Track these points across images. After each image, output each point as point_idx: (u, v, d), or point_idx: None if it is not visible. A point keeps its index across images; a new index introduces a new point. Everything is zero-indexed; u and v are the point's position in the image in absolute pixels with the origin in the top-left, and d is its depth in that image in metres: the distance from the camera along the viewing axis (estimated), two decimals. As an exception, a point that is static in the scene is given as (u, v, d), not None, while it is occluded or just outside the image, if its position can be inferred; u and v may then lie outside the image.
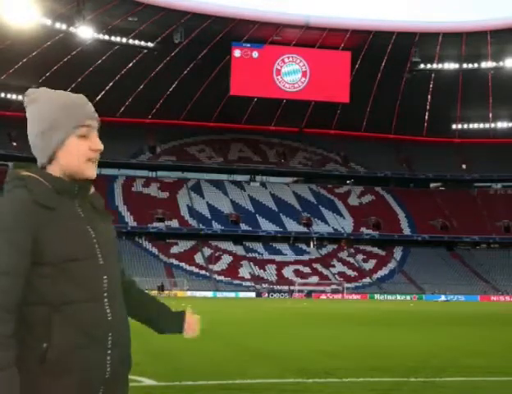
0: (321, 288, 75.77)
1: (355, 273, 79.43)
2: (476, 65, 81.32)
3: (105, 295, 2.15)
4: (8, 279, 1.96)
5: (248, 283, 74.78)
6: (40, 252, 2.02)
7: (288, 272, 77.45)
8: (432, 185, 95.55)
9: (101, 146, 2.20)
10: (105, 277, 2.16)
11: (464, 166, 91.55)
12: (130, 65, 78.61)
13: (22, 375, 1.98)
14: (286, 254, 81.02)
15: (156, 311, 2.45)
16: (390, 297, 73.13)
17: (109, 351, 2.13)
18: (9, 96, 78.72)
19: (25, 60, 72.63)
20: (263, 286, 74.48)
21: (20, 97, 79.33)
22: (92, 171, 2.18)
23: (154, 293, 54.70)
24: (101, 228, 2.21)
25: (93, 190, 2.27)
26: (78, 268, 2.08)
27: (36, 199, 2.06)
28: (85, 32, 68.24)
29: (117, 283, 2.23)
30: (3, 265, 1.97)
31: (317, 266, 79.61)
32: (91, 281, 2.12)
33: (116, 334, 2.17)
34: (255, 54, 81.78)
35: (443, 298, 73.16)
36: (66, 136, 2.15)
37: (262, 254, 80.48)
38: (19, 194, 2.05)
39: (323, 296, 73.58)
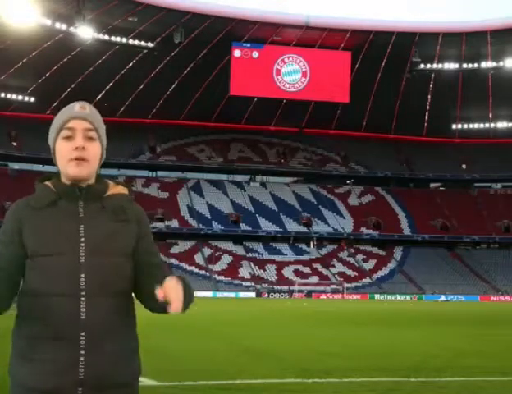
0: (321, 288, 75.75)
1: (355, 273, 79.38)
2: (476, 65, 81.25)
3: (82, 293, 2.16)
4: None
5: (248, 283, 74.76)
6: (25, 246, 2.22)
7: (288, 272, 77.42)
8: (432, 185, 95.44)
9: (78, 143, 2.24)
10: (83, 275, 2.17)
11: (464, 166, 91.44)
12: (130, 65, 78.57)
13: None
14: (286, 254, 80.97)
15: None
16: (390, 297, 73.09)
17: (82, 352, 2.13)
18: (9, 96, 78.64)
19: (25, 60, 72.56)
20: (263, 286, 74.46)
21: (20, 97, 79.41)
22: (73, 170, 2.24)
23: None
24: (100, 228, 2.24)
25: (114, 191, 2.36)
26: (49, 263, 2.18)
27: (28, 201, 2.27)
28: (85, 32, 68.14)
29: (108, 284, 2.20)
30: None
31: (317, 266, 79.57)
32: (63, 277, 2.17)
33: (93, 336, 2.15)
34: (255, 54, 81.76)
35: (443, 298, 73.14)
36: (54, 142, 2.29)
37: (262, 254, 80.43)
38: (20, 200, 2.30)
39: (323, 296, 73.55)
